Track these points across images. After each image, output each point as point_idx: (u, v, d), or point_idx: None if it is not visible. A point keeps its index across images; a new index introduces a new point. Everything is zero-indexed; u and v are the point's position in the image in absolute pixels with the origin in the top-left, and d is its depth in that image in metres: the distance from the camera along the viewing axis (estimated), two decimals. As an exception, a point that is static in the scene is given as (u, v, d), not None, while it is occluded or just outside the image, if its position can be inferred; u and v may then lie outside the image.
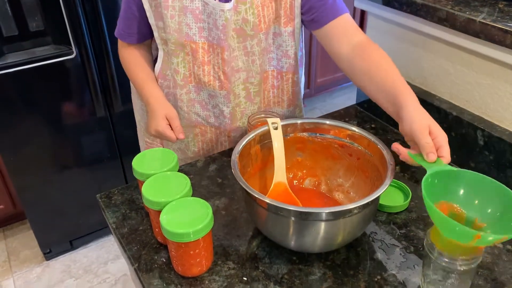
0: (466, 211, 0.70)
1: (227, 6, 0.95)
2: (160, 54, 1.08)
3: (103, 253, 2.13)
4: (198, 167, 1.07)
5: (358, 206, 0.72)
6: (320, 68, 2.97)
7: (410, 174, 1.03)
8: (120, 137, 1.97)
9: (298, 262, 0.82)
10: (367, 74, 0.90)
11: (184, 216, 0.73)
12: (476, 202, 0.70)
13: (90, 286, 1.97)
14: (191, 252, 0.75)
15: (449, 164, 0.73)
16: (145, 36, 1.09)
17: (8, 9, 1.56)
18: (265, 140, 0.91)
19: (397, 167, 1.05)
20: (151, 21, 1.02)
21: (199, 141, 1.16)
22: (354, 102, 1.33)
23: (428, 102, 1.08)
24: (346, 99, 3.28)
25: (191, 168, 1.06)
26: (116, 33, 1.11)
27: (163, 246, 0.85)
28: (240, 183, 0.76)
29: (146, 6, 1.00)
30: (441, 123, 1.05)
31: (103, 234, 2.19)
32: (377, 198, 0.75)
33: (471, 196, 0.70)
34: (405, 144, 0.81)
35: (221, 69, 1.03)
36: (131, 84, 1.22)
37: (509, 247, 0.83)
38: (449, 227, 0.64)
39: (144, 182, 0.81)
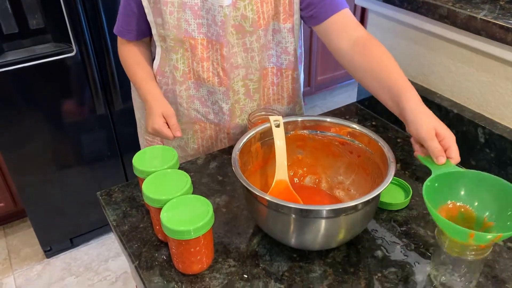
0: (476, 210, 0.71)
1: (226, 2, 0.95)
2: (158, 51, 1.07)
3: (103, 250, 2.13)
4: (198, 164, 1.07)
5: (359, 204, 0.72)
6: (321, 66, 2.96)
7: (411, 172, 1.02)
8: (120, 135, 1.97)
9: (299, 259, 0.82)
10: (368, 71, 0.90)
11: (185, 214, 0.73)
12: (484, 200, 0.71)
13: (90, 283, 1.97)
14: (192, 250, 0.75)
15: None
16: (144, 33, 1.09)
17: (8, 6, 1.55)
18: (265, 137, 0.91)
19: (398, 165, 1.05)
20: (150, 17, 1.02)
21: (199, 138, 1.16)
22: (355, 100, 1.33)
23: (429, 100, 1.08)
24: (346, 97, 3.28)
25: (191, 166, 1.06)
26: (115, 30, 1.11)
27: (164, 244, 0.85)
28: (241, 180, 0.76)
29: (145, 3, 1.00)
30: (442, 121, 1.05)
31: (103, 231, 2.19)
32: (378, 196, 0.75)
33: (478, 194, 0.72)
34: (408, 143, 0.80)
35: (220, 66, 1.03)
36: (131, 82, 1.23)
37: (510, 244, 0.83)
38: (448, 227, 0.66)
39: (144, 179, 0.81)
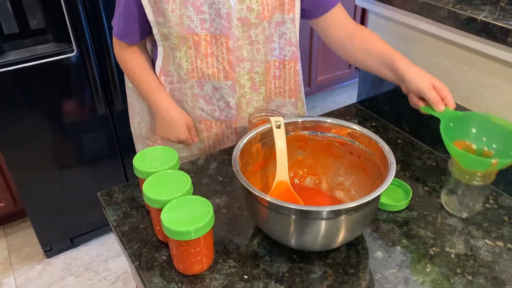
0: (476, 144, 0.86)
1: None
2: (160, 50, 1.07)
3: (103, 250, 2.13)
4: (199, 165, 1.07)
5: (359, 205, 0.72)
6: (321, 66, 2.97)
7: (411, 173, 1.03)
8: (120, 135, 1.97)
9: (299, 260, 0.82)
10: (365, 50, 1.03)
11: (185, 214, 0.74)
12: (484, 137, 0.86)
13: (90, 283, 1.97)
14: (192, 250, 0.75)
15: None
16: (145, 33, 1.08)
17: (9, 7, 1.55)
18: (266, 138, 0.91)
19: (398, 166, 1.05)
20: (150, 17, 1.01)
21: (205, 137, 1.16)
22: (355, 100, 1.33)
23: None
24: (346, 97, 3.28)
25: (192, 166, 1.06)
26: (115, 34, 1.10)
27: (164, 244, 0.85)
28: (241, 181, 0.76)
29: (145, 2, 0.99)
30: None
31: (103, 232, 2.20)
32: (378, 197, 0.75)
33: (479, 132, 0.86)
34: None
35: (225, 59, 1.04)
36: (128, 87, 1.21)
37: (509, 245, 0.83)
38: (467, 160, 0.81)
39: (145, 180, 0.81)
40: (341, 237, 0.77)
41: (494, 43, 0.91)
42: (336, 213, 0.73)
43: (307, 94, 3.01)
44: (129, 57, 1.12)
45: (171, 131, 1.12)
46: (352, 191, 0.93)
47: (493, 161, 0.76)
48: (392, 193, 0.95)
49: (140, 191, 0.98)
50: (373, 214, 0.80)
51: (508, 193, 0.95)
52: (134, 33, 1.07)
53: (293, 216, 0.74)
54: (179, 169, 0.85)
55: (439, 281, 0.77)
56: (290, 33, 1.07)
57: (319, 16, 1.08)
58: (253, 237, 0.87)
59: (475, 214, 0.90)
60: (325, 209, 0.72)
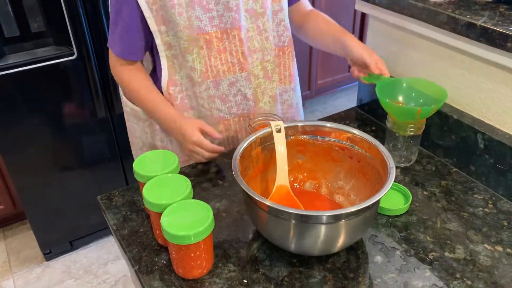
0: (406, 103, 1.04)
1: None
2: (164, 62, 1.06)
3: (103, 253, 2.13)
4: (198, 169, 1.07)
5: (359, 209, 0.72)
6: (321, 70, 2.97)
7: (410, 177, 1.03)
8: (120, 138, 1.97)
9: (299, 264, 0.82)
10: (321, 30, 1.17)
11: (185, 218, 0.74)
12: (411, 97, 1.04)
13: (90, 286, 1.97)
14: (192, 255, 0.75)
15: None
16: (147, 47, 1.08)
17: (10, 10, 1.56)
18: (266, 142, 0.91)
19: (398, 170, 1.05)
20: (153, 28, 1.01)
21: (224, 136, 1.16)
22: (355, 103, 1.33)
23: (429, 105, 1.08)
24: (346, 100, 3.28)
25: (192, 170, 1.07)
26: (118, 53, 1.07)
27: (164, 248, 0.85)
28: (241, 185, 0.76)
29: (147, 13, 0.99)
30: (442, 126, 1.06)
31: (103, 235, 2.19)
32: (378, 201, 0.75)
33: (409, 93, 1.04)
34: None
35: (239, 51, 1.06)
36: (126, 111, 1.19)
37: (509, 250, 0.84)
38: (399, 112, 0.99)
39: (145, 184, 0.81)
40: (341, 241, 0.77)
41: (493, 48, 0.91)
42: (336, 218, 0.73)
43: (307, 98, 3.02)
44: (128, 77, 1.09)
45: (185, 141, 1.04)
46: (352, 196, 0.93)
47: (418, 109, 0.93)
48: (392, 197, 0.95)
49: (140, 194, 0.98)
50: (372, 218, 0.80)
51: (507, 198, 0.95)
52: (139, 50, 1.06)
53: (293, 221, 0.74)
54: (179, 173, 0.85)
55: (438, 286, 0.77)
56: (286, 18, 1.13)
57: (291, 5, 1.17)
58: (252, 242, 0.87)
59: (412, 163, 1.07)
60: (325, 213, 0.73)
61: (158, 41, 1.03)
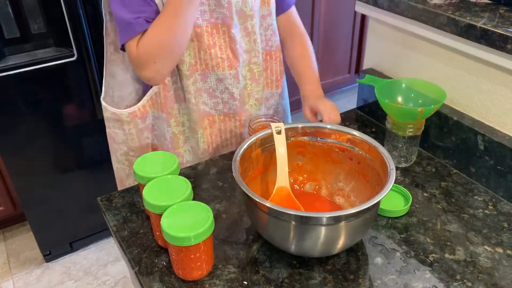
0: (405, 104, 1.05)
1: None
2: None
3: (103, 255, 2.13)
4: (199, 170, 1.07)
5: (359, 211, 0.72)
6: (321, 71, 2.94)
7: (410, 179, 1.03)
8: (120, 140, 1.97)
9: (299, 266, 0.82)
10: (293, 65, 1.22)
11: (185, 220, 0.74)
12: (410, 98, 1.05)
13: (89, 288, 1.97)
14: (192, 256, 0.75)
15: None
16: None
17: (10, 11, 1.56)
18: (266, 144, 0.91)
19: (398, 172, 1.05)
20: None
21: (208, 135, 1.15)
22: (354, 105, 1.33)
23: (429, 107, 1.08)
24: (346, 102, 3.28)
25: (192, 172, 1.07)
26: (138, 31, 0.95)
27: (164, 250, 0.85)
28: (241, 187, 0.76)
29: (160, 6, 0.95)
30: (442, 128, 1.06)
31: (103, 236, 2.19)
32: (378, 203, 0.75)
33: (408, 94, 1.06)
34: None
35: (228, 48, 1.06)
36: (106, 117, 1.14)
37: (509, 252, 0.83)
38: (400, 112, 1.00)
39: (145, 185, 0.81)
40: (341, 243, 0.77)
41: (493, 50, 0.91)
42: (336, 219, 0.73)
43: (307, 99, 3.01)
44: (146, 36, 0.95)
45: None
46: (352, 197, 0.93)
47: (421, 109, 0.94)
48: (392, 199, 0.95)
49: (140, 196, 0.98)
50: (373, 220, 0.80)
51: (507, 199, 0.95)
52: (154, 13, 0.96)
53: (293, 222, 0.74)
54: (179, 174, 0.85)
55: (438, 288, 0.77)
56: (274, 23, 1.13)
57: (279, 15, 1.17)
58: (253, 243, 0.87)
59: (412, 164, 1.07)
60: (325, 215, 0.73)
61: None
